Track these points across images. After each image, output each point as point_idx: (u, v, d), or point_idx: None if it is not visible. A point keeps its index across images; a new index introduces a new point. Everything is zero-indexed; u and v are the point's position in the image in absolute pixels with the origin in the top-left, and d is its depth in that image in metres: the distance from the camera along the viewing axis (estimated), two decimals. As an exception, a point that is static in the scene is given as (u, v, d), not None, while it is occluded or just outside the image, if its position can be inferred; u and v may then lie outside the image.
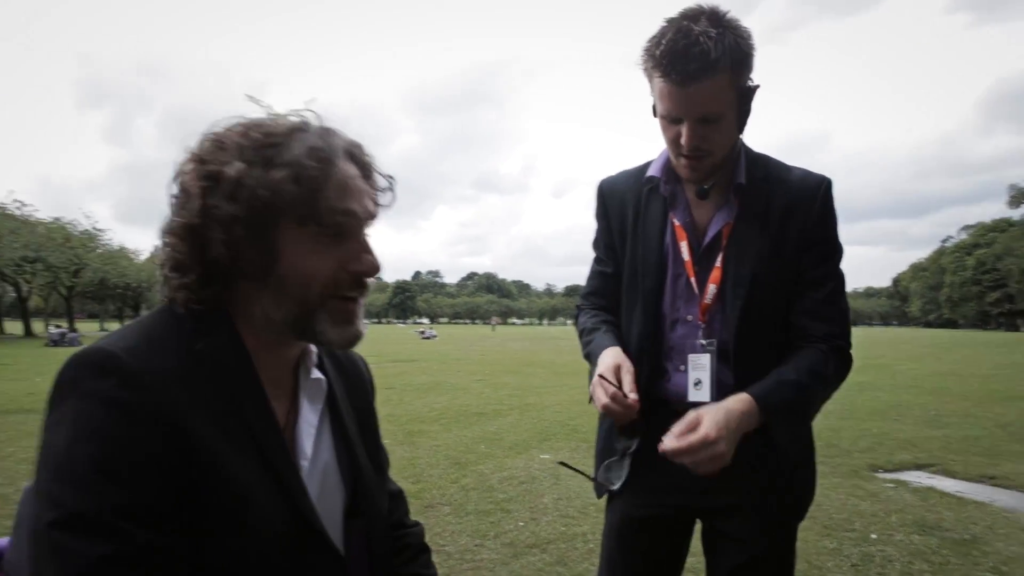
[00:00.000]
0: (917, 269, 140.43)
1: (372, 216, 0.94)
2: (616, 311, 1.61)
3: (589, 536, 3.88)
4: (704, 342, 1.44)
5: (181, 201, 0.87)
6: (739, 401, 1.29)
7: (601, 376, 1.37)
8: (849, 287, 1.50)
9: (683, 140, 1.33)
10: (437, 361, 18.62)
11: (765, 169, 1.44)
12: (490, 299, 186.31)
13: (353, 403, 1.10)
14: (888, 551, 3.69)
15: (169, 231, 0.88)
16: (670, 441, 1.21)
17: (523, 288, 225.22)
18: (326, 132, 0.91)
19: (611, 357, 1.42)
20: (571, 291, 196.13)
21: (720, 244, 1.44)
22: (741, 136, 1.43)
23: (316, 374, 1.02)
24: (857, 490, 4.91)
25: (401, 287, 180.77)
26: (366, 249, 0.93)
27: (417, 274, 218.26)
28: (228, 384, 0.86)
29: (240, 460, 0.83)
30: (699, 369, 1.43)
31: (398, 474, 5.20)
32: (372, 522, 1.03)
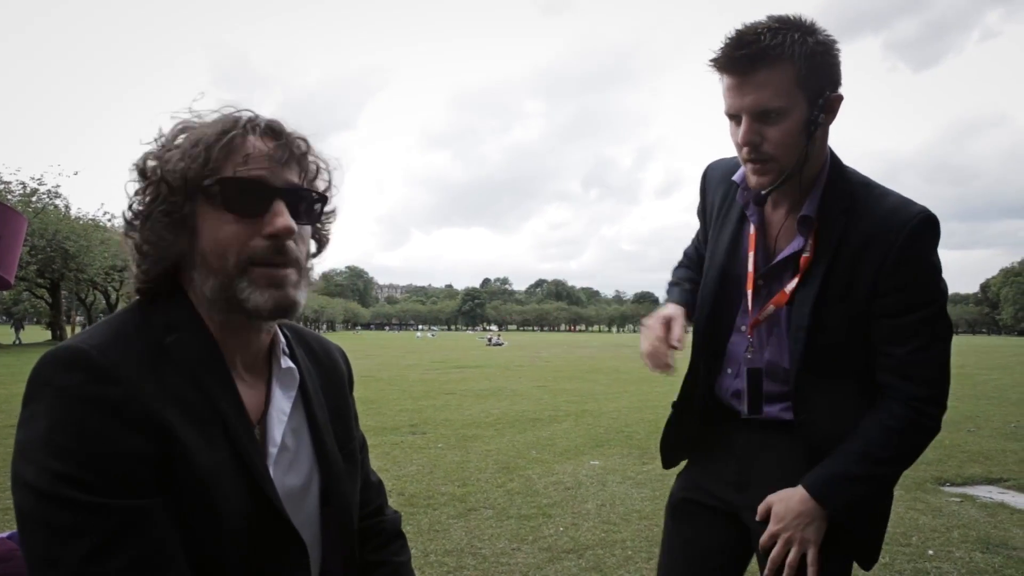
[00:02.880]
0: (1009, 274, 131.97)
1: (287, 184, 0.95)
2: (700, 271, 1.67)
3: (628, 543, 3.86)
4: (748, 356, 1.45)
5: (138, 214, 0.95)
6: (800, 492, 1.34)
7: (647, 325, 1.53)
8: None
9: (739, 137, 1.29)
10: (500, 367, 18.73)
11: (851, 199, 1.32)
12: (559, 306, 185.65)
13: (326, 393, 1.13)
14: (945, 568, 3.51)
15: (125, 240, 0.97)
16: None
17: (592, 295, 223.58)
18: (237, 114, 0.95)
19: (667, 309, 1.56)
20: (641, 298, 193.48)
21: (793, 270, 1.38)
22: (826, 158, 1.35)
23: (287, 363, 1.06)
24: (917, 503, 4.69)
25: (470, 294, 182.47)
26: (279, 213, 0.92)
27: (486, 281, 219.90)
28: (196, 374, 0.90)
29: (208, 448, 0.87)
30: (740, 380, 1.46)
31: (445, 478, 5.30)
32: (338, 510, 1.07)
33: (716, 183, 1.58)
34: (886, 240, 1.27)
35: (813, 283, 1.34)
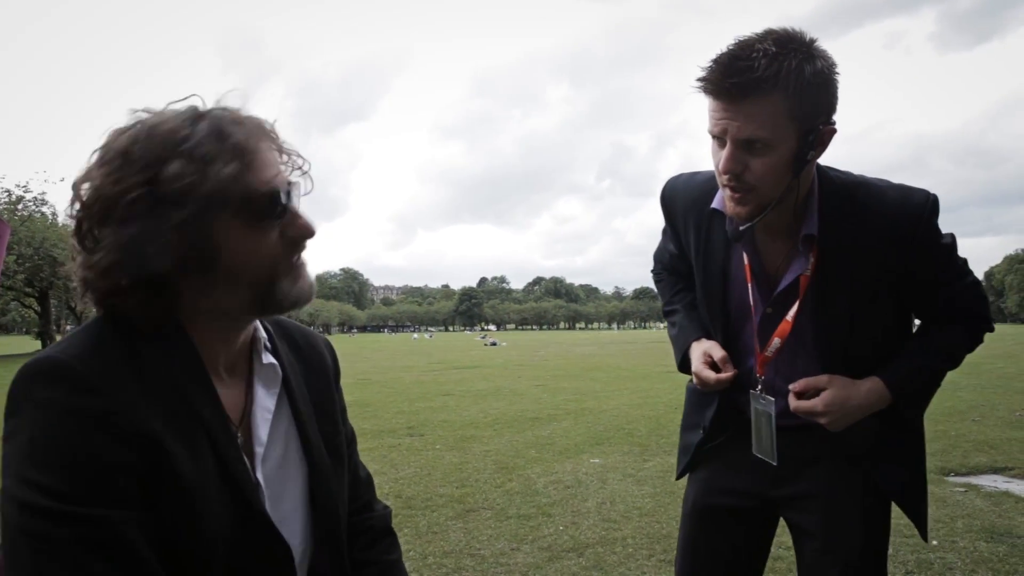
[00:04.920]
0: (1013, 261, 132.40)
1: (289, 183, 0.94)
2: (692, 288, 1.64)
3: (629, 541, 3.80)
4: (762, 398, 1.42)
5: (106, 221, 0.84)
6: (872, 383, 1.34)
7: (702, 362, 1.48)
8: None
9: (720, 163, 1.22)
10: (499, 367, 18.70)
11: (851, 204, 1.30)
12: (557, 304, 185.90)
13: (311, 387, 1.11)
14: (949, 558, 3.47)
15: (100, 256, 0.84)
16: (790, 398, 1.35)
17: (591, 292, 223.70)
18: (227, 114, 0.90)
19: (704, 346, 1.51)
20: (640, 294, 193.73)
21: (794, 296, 1.34)
22: (813, 174, 1.30)
23: (268, 359, 1.03)
24: (921, 494, 4.64)
25: (467, 294, 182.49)
26: (297, 214, 0.94)
27: (483, 280, 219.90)
28: (177, 381, 0.88)
29: (192, 455, 0.85)
30: (760, 424, 1.43)
31: (444, 480, 5.25)
32: (324, 507, 1.04)
33: (685, 208, 1.50)
34: (905, 234, 1.27)
35: (835, 297, 1.32)
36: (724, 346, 1.47)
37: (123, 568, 0.76)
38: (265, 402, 1.01)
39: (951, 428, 7.13)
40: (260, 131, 0.91)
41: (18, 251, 25.91)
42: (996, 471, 5.34)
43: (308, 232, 0.94)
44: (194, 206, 0.83)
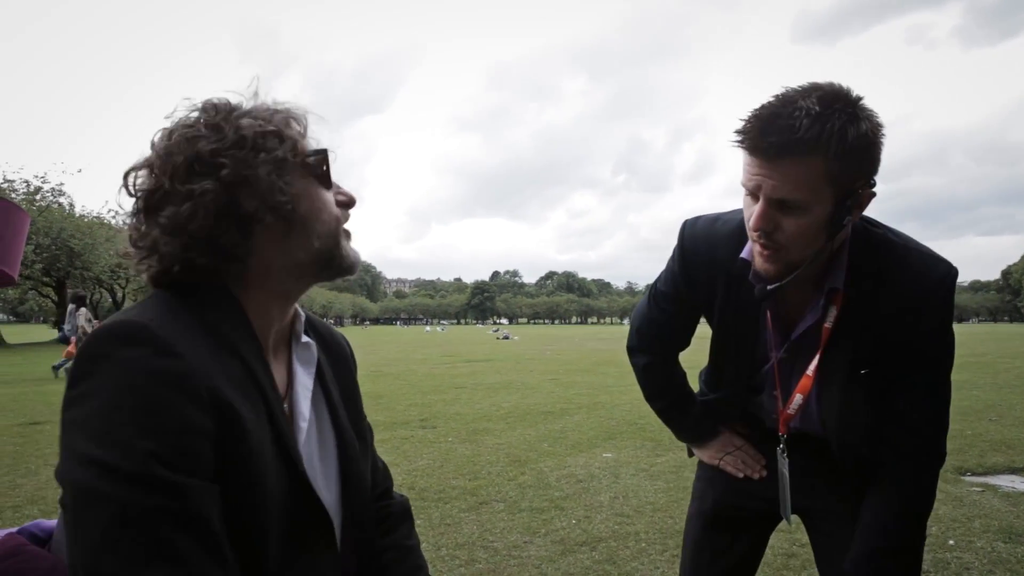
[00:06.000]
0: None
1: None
2: (676, 353, 1.65)
3: (642, 535, 3.80)
4: (784, 456, 1.42)
5: (202, 173, 0.89)
6: None
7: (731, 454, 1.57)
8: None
9: (751, 219, 1.18)
10: (511, 361, 18.68)
11: (876, 263, 1.26)
12: (569, 298, 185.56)
13: (336, 373, 1.15)
14: (966, 558, 3.44)
15: (195, 205, 0.88)
16: None
17: (603, 287, 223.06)
18: (280, 104, 1.00)
19: (718, 441, 1.60)
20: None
21: (811, 347, 1.34)
22: (846, 231, 1.25)
23: (306, 339, 1.07)
24: (938, 493, 4.59)
25: (479, 287, 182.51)
26: (338, 185, 1.03)
27: (496, 274, 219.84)
28: (238, 351, 0.89)
29: (257, 423, 0.86)
30: (783, 483, 1.45)
31: (456, 472, 5.26)
32: (355, 487, 1.06)
33: (710, 262, 1.42)
34: (920, 307, 1.25)
35: (843, 352, 1.32)
36: (746, 397, 1.52)
37: (200, 542, 0.75)
38: (305, 379, 1.04)
39: (967, 427, 7.05)
40: (297, 110, 1.00)
41: (36, 241, 26.19)
42: (1014, 471, 5.28)
43: (351, 199, 1.03)
44: (271, 154, 0.91)
